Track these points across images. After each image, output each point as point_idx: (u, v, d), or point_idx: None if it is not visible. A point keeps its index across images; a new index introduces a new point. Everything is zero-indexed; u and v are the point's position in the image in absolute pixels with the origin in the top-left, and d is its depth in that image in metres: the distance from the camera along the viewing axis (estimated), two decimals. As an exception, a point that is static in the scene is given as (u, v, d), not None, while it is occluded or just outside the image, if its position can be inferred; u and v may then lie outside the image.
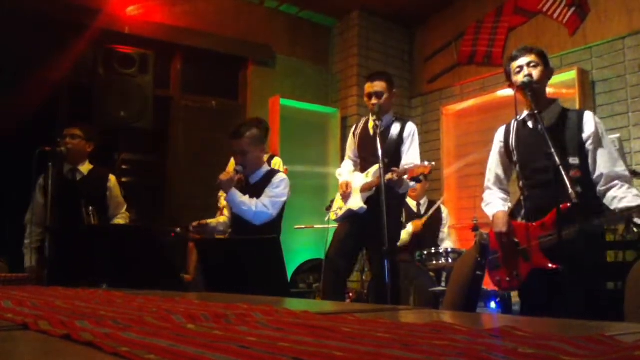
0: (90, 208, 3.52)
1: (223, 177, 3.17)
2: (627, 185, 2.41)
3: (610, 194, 2.41)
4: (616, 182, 2.41)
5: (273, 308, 1.01)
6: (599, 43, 4.65)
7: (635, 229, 2.47)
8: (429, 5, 5.93)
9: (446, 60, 5.95)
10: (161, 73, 5.07)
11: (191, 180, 5.16)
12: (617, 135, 3.82)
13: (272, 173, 3.29)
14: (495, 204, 2.69)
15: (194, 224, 3.49)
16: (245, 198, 3.14)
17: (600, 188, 2.45)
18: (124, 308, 1.09)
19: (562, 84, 4.59)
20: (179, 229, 4.07)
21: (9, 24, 4.30)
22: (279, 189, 3.18)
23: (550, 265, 2.38)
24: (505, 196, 2.73)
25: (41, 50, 4.54)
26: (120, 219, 3.87)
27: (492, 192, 2.75)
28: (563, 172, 2.15)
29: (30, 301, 1.20)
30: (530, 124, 2.59)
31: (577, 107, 4.31)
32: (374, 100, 3.41)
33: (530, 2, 5.16)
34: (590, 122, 2.49)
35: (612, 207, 2.39)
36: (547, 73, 2.60)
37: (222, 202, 3.79)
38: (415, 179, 3.08)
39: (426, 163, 3.04)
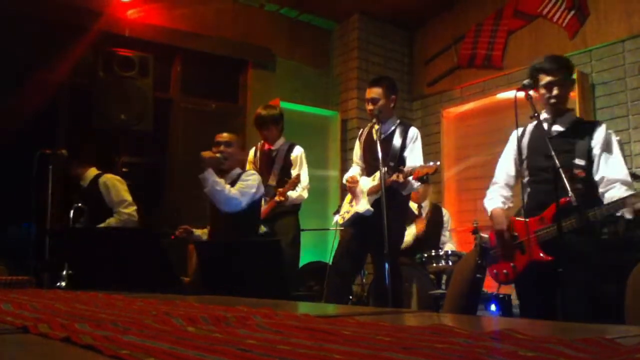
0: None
1: (206, 154, 3.24)
2: (625, 187, 2.47)
3: (608, 195, 2.49)
4: (616, 184, 2.48)
5: (273, 311, 1.01)
6: (598, 46, 4.65)
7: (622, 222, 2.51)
8: (428, 8, 5.93)
9: (446, 63, 5.96)
10: (161, 76, 5.07)
11: (191, 183, 5.14)
12: (617, 138, 3.82)
13: (245, 172, 3.45)
14: (495, 200, 2.80)
15: (181, 227, 3.51)
16: (221, 180, 3.22)
17: (601, 190, 2.53)
18: (124, 311, 1.09)
19: (562, 87, 4.58)
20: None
21: (9, 26, 4.30)
22: (249, 181, 3.30)
23: (542, 255, 2.49)
24: (507, 194, 2.81)
25: (42, 52, 4.54)
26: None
27: (495, 189, 2.85)
28: (563, 174, 2.22)
29: (30, 304, 1.20)
30: (545, 126, 2.69)
31: (577, 110, 4.32)
32: (370, 106, 3.48)
33: (530, 5, 5.17)
34: (601, 131, 2.60)
35: None
36: (569, 86, 2.71)
37: None
38: (421, 179, 3.11)
39: (431, 163, 3.08)
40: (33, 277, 3.28)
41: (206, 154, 3.25)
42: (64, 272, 2.23)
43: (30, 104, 4.42)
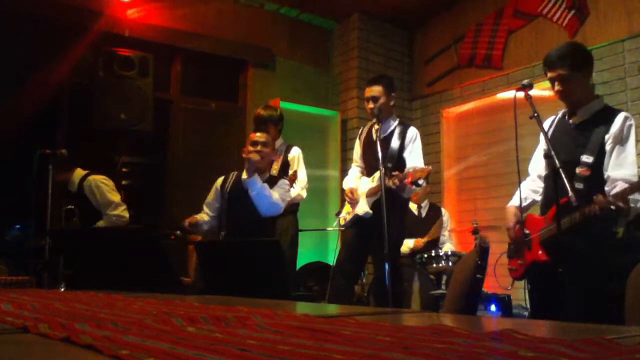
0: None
1: (254, 157, 3.14)
2: (626, 186, 2.38)
3: (612, 194, 2.41)
4: (618, 183, 2.40)
5: (273, 311, 1.01)
6: (598, 46, 4.65)
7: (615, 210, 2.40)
8: (429, 8, 5.94)
9: (446, 62, 5.95)
10: (161, 76, 5.07)
11: (191, 183, 5.15)
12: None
13: (279, 177, 3.42)
14: (515, 197, 2.75)
15: (189, 220, 3.41)
16: (266, 185, 3.16)
17: (606, 188, 2.45)
18: (124, 311, 1.09)
19: (562, 87, 4.58)
20: (179, 232, 4.07)
21: (9, 26, 4.30)
22: (286, 189, 3.30)
23: (540, 253, 2.48)
24: (537, 187, 2.75)
25: (42, 52, 4.54)
26: None
27: (526, 182, 2.79)
28: (563, 174, 2.20)
29: (30, 304, 1.20)
30: (566, 118, 2.64)
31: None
32: (370, 105, 3.47)
33: (530, 5, 5.16)
34: (617, 122, 2.46)
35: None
36: (579, 76, 2.55)
37: None
38: (416, 183, 3.10)
39: (424, 166, 3.08)
40: (33, 277, 3.29)
41: (253, 156, 3.16)
42: (62, 283, 2.22)
43: (30, 104, 4.42)
